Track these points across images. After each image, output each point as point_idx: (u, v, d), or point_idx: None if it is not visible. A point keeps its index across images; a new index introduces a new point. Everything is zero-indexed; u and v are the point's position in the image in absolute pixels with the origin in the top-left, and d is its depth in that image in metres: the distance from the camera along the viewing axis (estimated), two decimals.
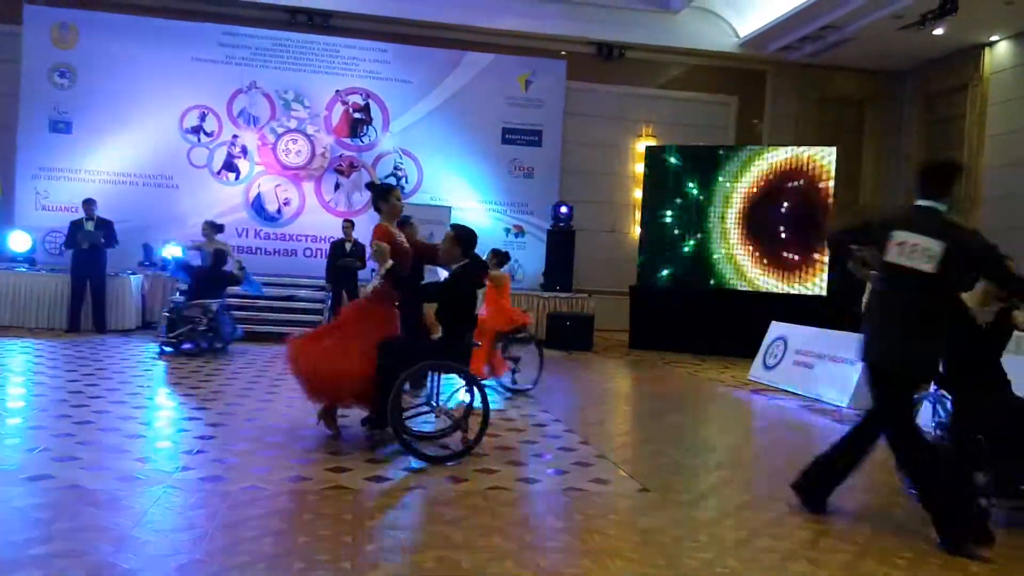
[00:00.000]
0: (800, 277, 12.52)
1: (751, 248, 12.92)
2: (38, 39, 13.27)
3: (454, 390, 5.77)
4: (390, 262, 5.38)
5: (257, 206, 14.02)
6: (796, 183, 12.71)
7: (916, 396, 4.58)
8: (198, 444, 5.37)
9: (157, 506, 4.04)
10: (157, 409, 6.60)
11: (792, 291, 12.50)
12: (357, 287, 11.57)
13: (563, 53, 15.04)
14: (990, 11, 12.26)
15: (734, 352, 11.70)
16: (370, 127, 14.40)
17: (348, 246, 11.81)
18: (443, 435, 5.67)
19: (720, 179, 13.18)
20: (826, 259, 12.12)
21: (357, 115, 14.36)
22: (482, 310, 6.22)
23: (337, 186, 14.28)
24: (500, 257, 8.41)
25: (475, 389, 5.33)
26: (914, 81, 15.67)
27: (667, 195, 13.54)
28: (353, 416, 5.85)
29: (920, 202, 4.30)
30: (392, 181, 14.40)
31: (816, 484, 4.53)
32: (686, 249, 13.36)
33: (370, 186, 6.00)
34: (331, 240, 12.42)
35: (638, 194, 14.59)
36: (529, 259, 14.53)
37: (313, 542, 3.65)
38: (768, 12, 14.11)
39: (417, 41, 14.55)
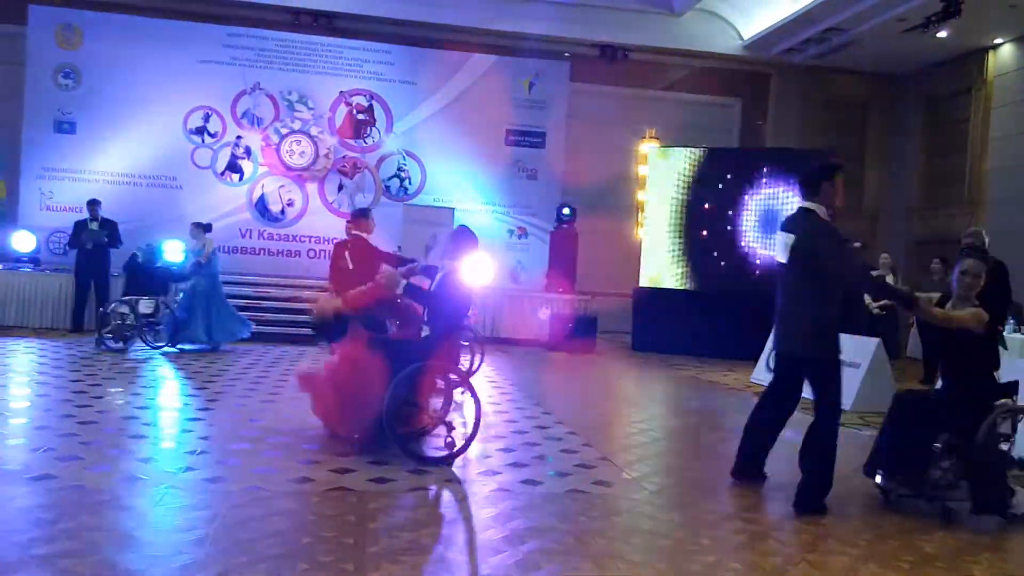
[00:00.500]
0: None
1: (755, 250, 12.90)
2: (43, 40, 13.31)
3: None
4: (404, 282, 5.58)
5: (261, 207, 14.04)
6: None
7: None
8: (201, 444, 5.37)
9: (160, 506, 4.05)
10: (160, 409, 6.61)
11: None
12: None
13: (567, 55, 15.05)
14: (994, 14, 12.26)
15: (737, 355, 11.68)
16: (374, 128, 14.42)
17: None
18: (424, 432, 5.57)
19: (724, 181, 13.16)
20: None
21: (361, 116, 14.38)
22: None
23: (340, 187, 14.29)
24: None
25: (469, 389, 5.35)
26: (918, 84, 15.65)
27: (670, 197, 13.53)
28: None
29: (800, 204, 4.85)
30: (396, 182, 14.45)
31: (750, 463, 5.07)
32: (689, 251, 13.35)
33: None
34: (334, 241, 12.42)
35: (641, 196, 14.59)
36: (532, 261, 14.53)
37: (315, 543, 3.65)
38: (772, 14, 14.11)
39: (421, 43, 14.58)
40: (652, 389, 9.65)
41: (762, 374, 9.98)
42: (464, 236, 5.62)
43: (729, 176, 13.13)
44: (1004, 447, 4.66)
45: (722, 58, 15.43)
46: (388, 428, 5.09)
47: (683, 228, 13.39)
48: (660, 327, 12.88)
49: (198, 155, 13.85)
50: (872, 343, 8.41)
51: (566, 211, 13.88)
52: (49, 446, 5.07)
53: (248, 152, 14.00)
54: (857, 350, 8.52)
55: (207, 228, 10.47)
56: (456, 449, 5.19)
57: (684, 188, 13.43)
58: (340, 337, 6.57)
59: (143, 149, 13.55)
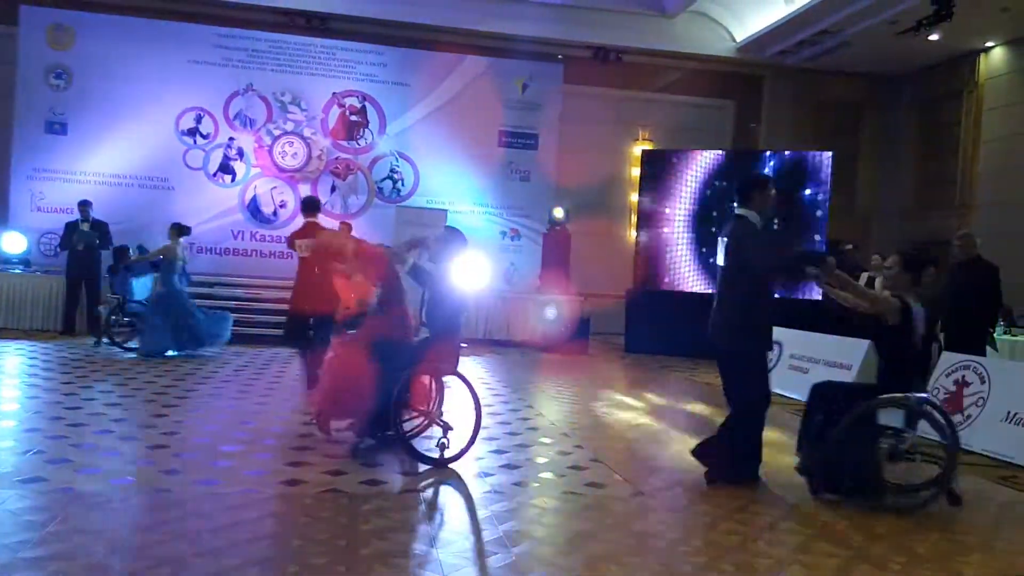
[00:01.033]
0: (795, 282, 12.53)
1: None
2: (34, 40, 13.24)
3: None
4: (412, 261, 5.51)
5: (253, 208, 14.00)
6: (792, 187, 12.73)
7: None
8: (192, 447, 5.35)
9: (151, 508, 4.03)
10: (152, 412, 6.57)
11: (787, 296, 12.52)
12: None
13: (560, 57, 15.06)
14: (985, 18, 12.33)
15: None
16: (367, 130, 14.39)
17: None
18: (418, 432, 5.60)
19: (717, 183, 13.19)
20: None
21: (354, 118, 14.36)
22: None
23: (333, 189, 14.27)
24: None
25: (468, 389, 5.35)
26: (910, 86, 15.72)
27: (663, 199, 13.56)
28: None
29: (736, 211, 5.23)
30: (388, 184, 14.43)
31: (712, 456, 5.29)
32: (682, 253, 13.37)
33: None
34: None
35: (634, 197, 14.62)
36: (525, 262, 14.53)
37: (308, 545, 3.64)
38: (765, 17, 14.16)
39: (414, 44, 14.57)
40: (645, 391, 9.65)
41: None
42: (455, 237, 5.61)
43: (722, 178, 13.15)
44: (893, 441, 4.72)
45: (715, 60, 15.47)
46: (393, 426, 5.10)
47: (676, 229, 13.41)
48: (653, 328, 12.88)
49: (190, 156, 13.80)
50: (863, 344, 8.43)
51: (559, 213, 13.87)
52: (39, 448, 5.04)
53: (240, 153, 13.97)
54: (848, 351, 8.55)
55: (182, 231, 9.82)
56: (458, 452, 5.21)
57: (677, 190, 13.46)
58: (312, 343, 6.73)
59: (135, 150, 13.49)
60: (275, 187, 14.07)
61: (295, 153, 14.07)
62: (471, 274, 5.74)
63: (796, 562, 3.80)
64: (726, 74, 15.75)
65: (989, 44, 13.63)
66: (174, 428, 5.90)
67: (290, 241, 7.69)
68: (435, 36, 14.58)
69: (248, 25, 14.11)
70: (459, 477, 4.97)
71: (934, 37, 12.79)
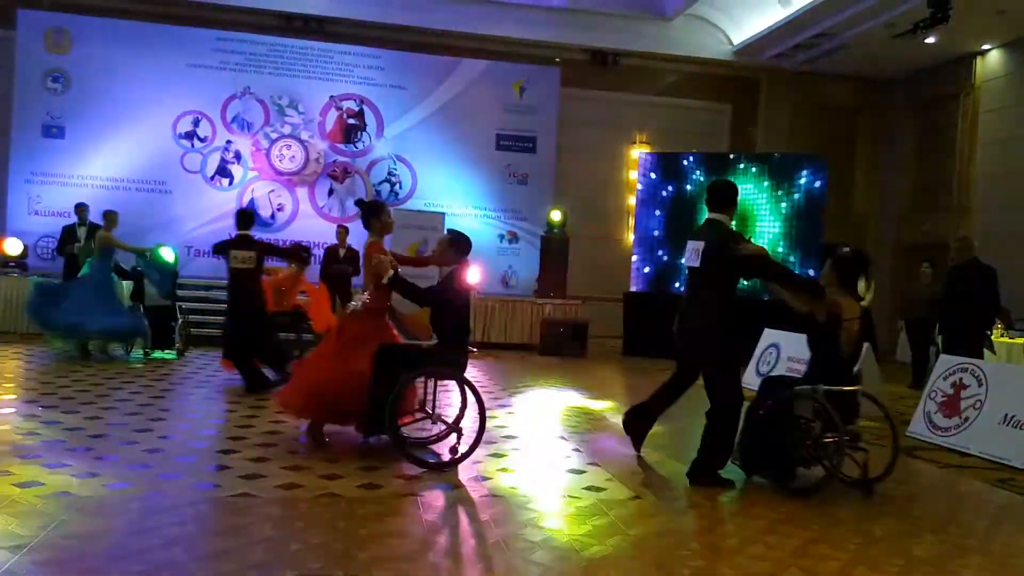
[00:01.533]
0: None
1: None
2: (32, 44, 13.24)
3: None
4: (391, 272, 5.43)
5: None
6: (789, 190, 12.75)
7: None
8: (190, 450, 5.34)
9: (148, 512, 4.02)
10: (149, 415, 6.56)
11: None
12: (350, 293, 11.55)
13: (557, 60, 15.07)
14: (982, 20, 12.35)
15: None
16: (364, 133, 14.40)
17: (342, 252, 11.78)
18: (437, 439, 5.68)
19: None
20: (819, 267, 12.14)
21: (351, 121, 14.36)
22: None
23: (331, 192, 14.27)
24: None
25: (472, 395, 5.35)
26: (907, 89, 15.74)
27: (661, 202, 13.56)
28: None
29: (708, 215, 5.37)
30: (386, 187, 14.42)
31: (638, 425, 5.79)
32: (680, 256, 13.35)
33: (360, 203, 5.99)
34: (324, 246, 12.41)
35: (632, 200, 14.62)
36: (523, 265, 14.54)
37: (305, 550, 3.63)
38: (762, 20, 14.17)
39: (412, 47, 14.57)
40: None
41: (752, 378, 10.01)
42: (464, 240, 5.62)
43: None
44: (802, 430, 5.04)
45: (712, 63, 15.49)
46: (389, 428, 5.12)
47: (673, 232, 13.40)
48: (651, 331, 12.83)
49: (188, 159, 13.80)
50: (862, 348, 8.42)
51: (557, 216, 13.88)
52: (36, 453, 5.03)
53: (238, 157, 13.97)
54: None
55: (95, 217, 9.46)
56: (458, 455, 5.22)
57: (674, 193, 13.47)
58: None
59: (132, 154, 13.49)
60: (273, 190, 14.06)
61: (293, 156, 14.07)
62: (472, 277, 5.75)
63: (794, 565, 3.80)
64: (723, 77, 15.77)
65: (986, 47, 13.66)
66: (171, 432, 5.90)
67: (220, 249, 8.11)
68: (433, 39, 14.59)
69: (246, 28, 14.11)
70: (457, 481, 4.96)
71: (931, 40, 12.81)
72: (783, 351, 9.72)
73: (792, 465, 5.08)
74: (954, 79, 14.38)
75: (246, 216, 8.17)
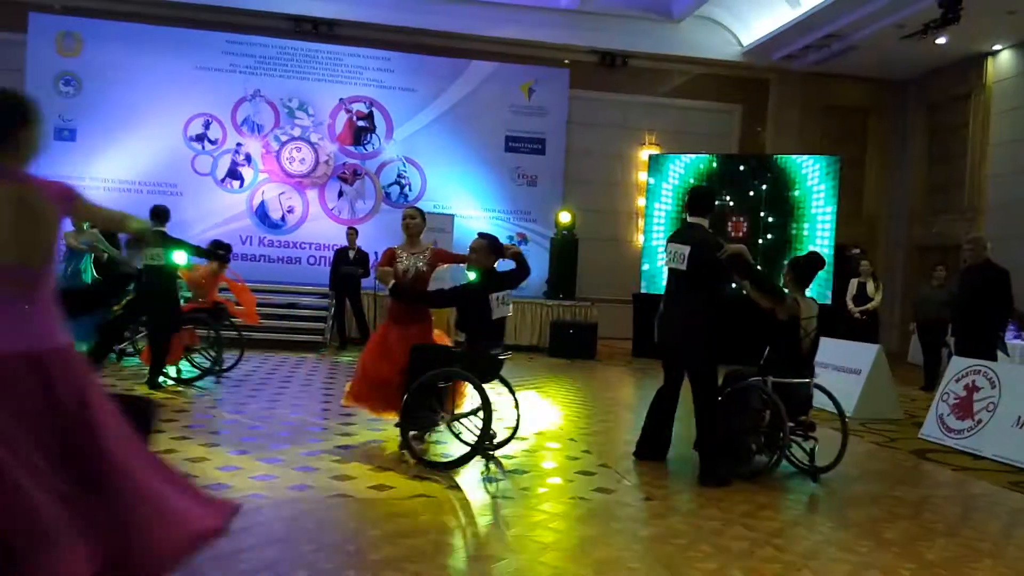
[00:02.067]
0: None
1: (754, 256, 12.87)
2: (43, 47, 13.34)
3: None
4: (392, 282, 5.61)
5: (261, 214, 14.06)
6: (799, 192, 12.70)
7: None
8: (201, 451, 5.37)
9: None
10: (159, 416, 6.58)
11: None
12: (360, 295, 11.59)
13: (566, 61, 15.08)
14: (992, 20, 12.29)
15: (737, 360, 11.58)
16: (374, 135, 14.44)
17: (351, 254, 11.83)
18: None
19: (723, 188, 13.15)
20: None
21: (361, 123, 14.40)
22: None
23: (341, 194, 14.31)
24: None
25: (480, 398, 5.35)
26: (917, 90, 15.68)
27: (670, 203, 13.53)
28: (359, 419, 5.84)
29: (688, 219, 5.57)
30: (396, 189, 14.46)
31: (653, 448, 5.76)
32: None
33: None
34: (335, 248, 12.45)
35: (641, 202, 14.60)
36: (532, 267, 14.37)
37: (316, 550, 3.64)
38: (771, 21, 14.13)
39: (421, 50, 14.61)
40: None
41: None
42: (498, 244, 5.85)
43: (729, 182, 13.12)
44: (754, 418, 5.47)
45: (721, 65, 15.46)
46: (401, 429, 5.19)
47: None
48: None
49: (198, 162, 13.87)
50: (873, 349, 8.40)
51: (566, 217, 13.87)
52: None
53: (248, 159, 14.02)
54: (858, 356, 8.50)
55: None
56: (462, 456, 5.24)
57: (684, 194, 13.42)
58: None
59: (143, 156, 13.57)
60: (283, 192, 14.12)
61: (303, 159, 14.12)
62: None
63: (805, 568, 3.79)
64: (732, 78, 15.74)
65: (997, 47, 13.59)
66: (181, 433, 5.92)
67: (131, 242, 8.33)
68: (441, 41, 14.62)
69: (256, 31, 14.17)
70: (467, 482, 4.96)
71: (941, 41, 12.76)
72: None
73: (747, 452, 5.43)
74: (965, 80, 14.32)
75: (160, 212, 8.13)
